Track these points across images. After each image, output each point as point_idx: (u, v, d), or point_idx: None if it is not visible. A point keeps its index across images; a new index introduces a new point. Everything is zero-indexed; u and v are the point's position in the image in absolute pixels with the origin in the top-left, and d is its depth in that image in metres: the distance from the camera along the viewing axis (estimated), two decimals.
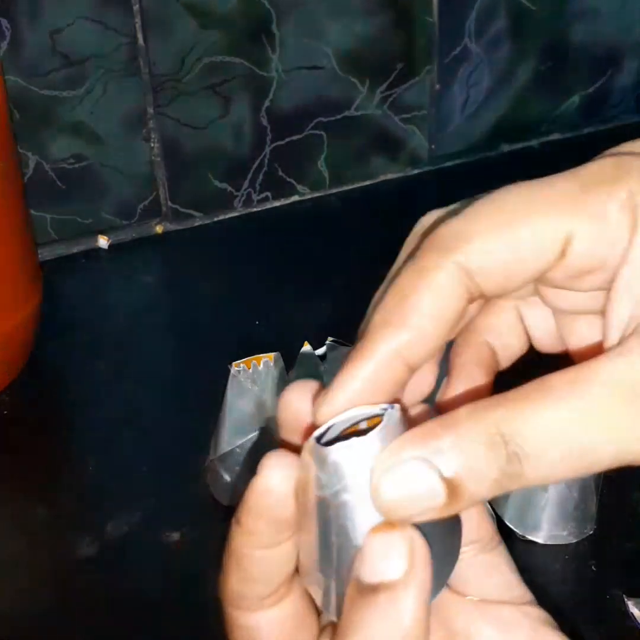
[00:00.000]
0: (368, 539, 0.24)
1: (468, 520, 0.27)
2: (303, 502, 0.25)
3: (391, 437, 0.24)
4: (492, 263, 0.24)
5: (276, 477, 0.25)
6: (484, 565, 0.29)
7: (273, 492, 0.25)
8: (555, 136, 0.95)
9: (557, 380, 0.22)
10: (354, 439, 0.24)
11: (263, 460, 0.25)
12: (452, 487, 0.22)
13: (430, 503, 0.23)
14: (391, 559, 0.23)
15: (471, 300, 0.25)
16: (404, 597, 0.23)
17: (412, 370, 0.25)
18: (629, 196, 0.23)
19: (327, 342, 0.59)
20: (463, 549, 0.27)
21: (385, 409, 0.24)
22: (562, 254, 0.24)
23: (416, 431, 0.23)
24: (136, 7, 0.74)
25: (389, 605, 0.23)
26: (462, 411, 0.23)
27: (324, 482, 0.24)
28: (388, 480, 0.23)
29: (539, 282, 0.26)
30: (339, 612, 0.25)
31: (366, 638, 0.23)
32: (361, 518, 0.24)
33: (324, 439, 0.25)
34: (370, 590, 0.23)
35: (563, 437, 0.22)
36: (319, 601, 0.26)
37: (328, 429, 0.25)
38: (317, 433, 0.25)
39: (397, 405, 0.25)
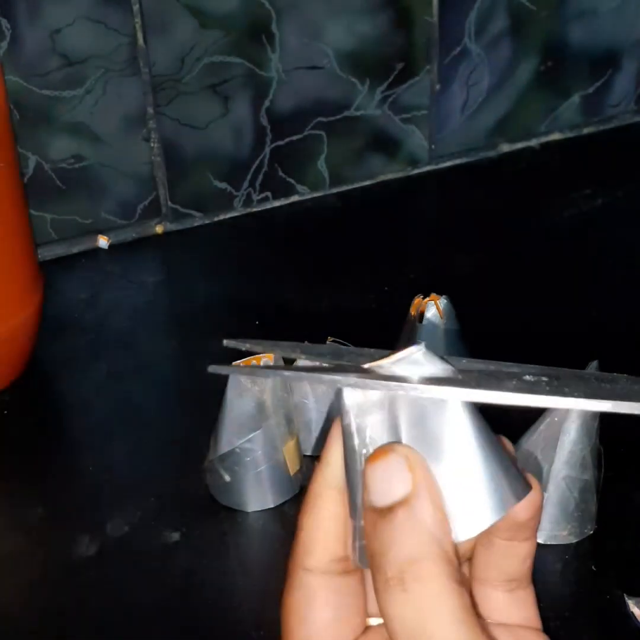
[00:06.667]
0: (367, 469, 0.25)
1: (515, 558, 0.29)
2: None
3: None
4: None
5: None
6: (515, 600, 0.30)
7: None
8: (555, 136, 0.95)
9: None
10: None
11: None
12: None
13: None
14: (395, 480, 0.25)
15: None
16: (420, 505, 0.25)
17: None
18: None
19: (327, 342, 0.59)
20: (502, 583, 0.29)
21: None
22: None
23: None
24: (136, 7, 0.74)
25: (410, 517, 0.25)
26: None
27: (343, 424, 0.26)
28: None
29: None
30: (361, 555, 0.27)
31: (399, 552, 0.24)
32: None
33: None
34: (388, 511, 0.25)
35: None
36: (351, 552, 0.27)
37: None
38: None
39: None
